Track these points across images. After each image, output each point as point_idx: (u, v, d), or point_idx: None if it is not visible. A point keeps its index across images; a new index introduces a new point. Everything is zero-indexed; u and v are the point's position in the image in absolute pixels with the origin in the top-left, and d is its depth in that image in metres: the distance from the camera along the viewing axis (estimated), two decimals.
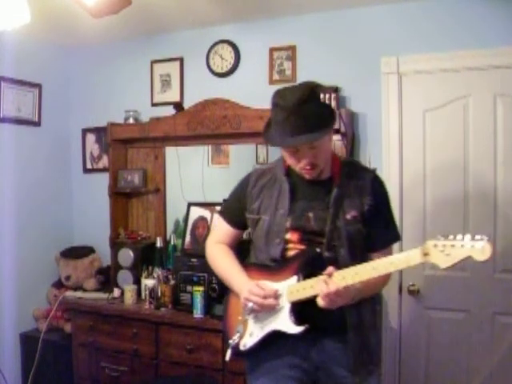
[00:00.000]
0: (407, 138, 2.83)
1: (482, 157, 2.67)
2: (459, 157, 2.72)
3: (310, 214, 1.74)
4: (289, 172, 1.82)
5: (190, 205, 3.18)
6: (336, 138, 2.84)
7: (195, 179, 3.29)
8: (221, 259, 1.92)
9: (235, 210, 1.93)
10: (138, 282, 3.13)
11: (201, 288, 2.73)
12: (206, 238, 2.95)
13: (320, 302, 1.58)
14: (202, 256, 2.86)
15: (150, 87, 3.49)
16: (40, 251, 3.50)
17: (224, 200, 2.06)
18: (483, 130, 2.67)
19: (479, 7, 2.64)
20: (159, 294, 2.95)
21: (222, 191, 3.15)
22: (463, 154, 2.71)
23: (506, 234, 2.64)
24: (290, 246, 1.75)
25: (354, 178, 1.77)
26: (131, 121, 3.38)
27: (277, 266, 1.75)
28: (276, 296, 1.68)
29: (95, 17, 2.20)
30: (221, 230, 1.99)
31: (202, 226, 3.03)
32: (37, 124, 3.51)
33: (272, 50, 3.11)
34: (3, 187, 3.28)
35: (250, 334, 1.76)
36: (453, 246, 1.43)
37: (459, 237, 1.44)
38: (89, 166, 3.72)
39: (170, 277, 2.98)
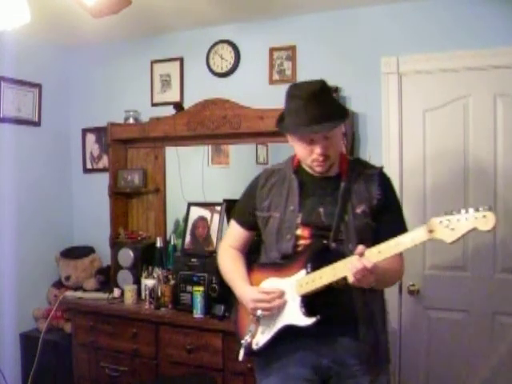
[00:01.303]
0: (407, 138, 2.83)
1: (482, 157, 2.67)
2: (459, 157, 2.72)
3: (321, 210, 1.75)
4: (298, 170, 1.84)
5: (190, 205, 3.18)
6: None
7: (195, 179, 3.29)
8: (228, 265, 1.95)
9: (246, 211, 1.94)
10: (138, 282, 3.12)
11: (201, 288, 2.73)
12: (206, 237, 2.98)
13: (350, 278, 1.57)
14: (202, 256, 2.88)
15: (150, 87, 3.49)
16: (40, 251, 3.50)
17: (234, 202, 2.07)
18: (483, 130, 2.67)
19: (479, 7, 2.64)
20: (159, 293, 2.95)
21: (222, 191, 3.17)
22: (463, 154, 2.71)
23: (505, 234, 2.64)
24: (301, 241, 1.76)
25: (361, 174, 1.80)
26: (131, 121, 3.38)
27: (285, 263, 1.76)
28: (281, 295, 1.70)
29: (95, 17, 2.20)
30: (233, 233, 2.00)
31: (202, 226, 3.03)
32: (37, 124, 3.51)
33: (272, 49, 3.11)
34: (3, 187, 3.28)
35: (262, 332, 1.76)
36: (458, 220, 1.46)
37: (463, 211, 1.47)
38: (89, 166, 3.72)
39: (170, 277, 2.99)
